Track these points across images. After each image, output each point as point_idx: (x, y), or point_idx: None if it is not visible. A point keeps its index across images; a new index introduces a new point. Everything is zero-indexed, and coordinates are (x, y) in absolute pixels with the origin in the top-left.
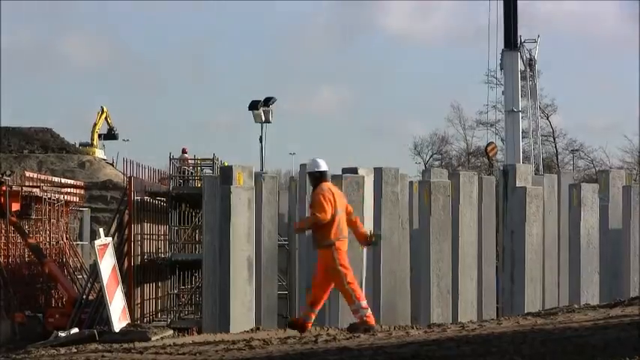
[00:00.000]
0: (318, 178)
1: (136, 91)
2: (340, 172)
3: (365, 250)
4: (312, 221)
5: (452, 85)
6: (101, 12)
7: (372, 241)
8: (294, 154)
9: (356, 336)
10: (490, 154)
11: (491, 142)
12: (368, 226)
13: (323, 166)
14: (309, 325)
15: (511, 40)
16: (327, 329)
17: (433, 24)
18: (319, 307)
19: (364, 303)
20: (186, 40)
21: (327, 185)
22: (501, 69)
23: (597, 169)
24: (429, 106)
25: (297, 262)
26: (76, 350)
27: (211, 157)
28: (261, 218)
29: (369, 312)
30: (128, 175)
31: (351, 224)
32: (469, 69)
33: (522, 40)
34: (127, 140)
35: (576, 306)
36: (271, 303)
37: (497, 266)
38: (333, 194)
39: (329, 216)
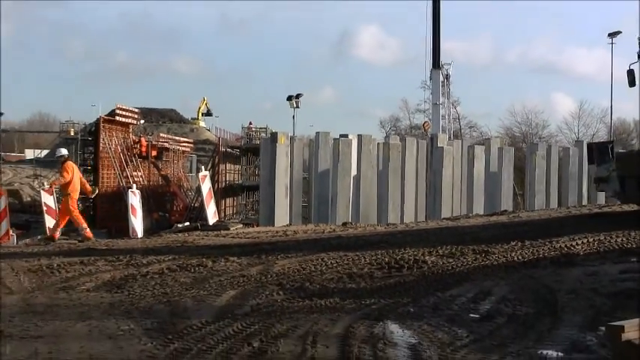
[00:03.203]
0: (63, 159)
1: (222, 89)
2: (338, 137)
3: (351, 185)
4: (60, 181)
5: (402, 89)
6: (194, 39)
7: (94, 193)
8: (312, 126)
9: (351, 230)
10: (426, 128)
11: (426, 121)
12: (354, 168)
13: (63, 152)
14: (56, 236)
15: (436, 63)
16: (330, 225)
17: (391, 51)
18: (61, 226)
19: (84, 226)
20: (238, 64)
21: (69, 163)
22: (430, 79)
23: (484, 137)
24: (389, 100)
25: (312, 187)
26: (187, 234)
27: (265, 126)
28: (293, 162)
29: (88, 230)
30: (218, 136)
31: (82, 185)
32: (413, 79)
33: (442, 64)
34: (218, 116)
35: (471, 214)
36: (298, 210)
37: (426, 191)
38: (73, 168)
39: (69, 179)
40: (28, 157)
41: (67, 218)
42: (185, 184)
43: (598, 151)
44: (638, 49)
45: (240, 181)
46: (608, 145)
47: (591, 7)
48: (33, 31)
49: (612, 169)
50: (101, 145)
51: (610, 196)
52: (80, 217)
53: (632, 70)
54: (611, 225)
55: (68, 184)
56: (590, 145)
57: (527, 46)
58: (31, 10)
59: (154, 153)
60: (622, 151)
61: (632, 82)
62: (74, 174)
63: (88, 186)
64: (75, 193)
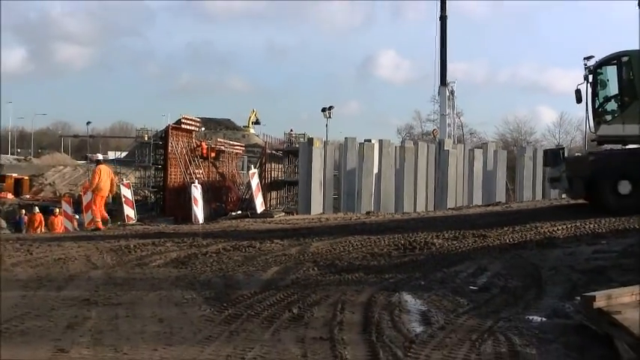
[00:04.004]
0: (97, 162)
1: (268, 102)
2: (363, 141)
3: (373, 181)
4: (89, 184)
5: (415, 102)
6: (245, 65)
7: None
8: (341, 132)
9: (373, 218)
10: (435, 135)
11: (435, 129)
12: (375, 167)
13: (99, 157)
14: (100, 225)
15: (444, 81)
16: (356, 214)
17: (405, 71)
18: (97, 218)
19: (98, 219)
20: (282, 82)
21: (100, 166)
22: (438, 94)
23: (482, 142)
24: (404, 111)
25: (342, 183)
26: (239, 220)
27: (303, 133)
28: (326, 162)
29: (100, 223)
30: (264, 141)
31: (111, 184)
32: (424, 94)
33: (448, 81)
34: (265, 125)
35: (471, 205)
36: (330, 201)
37: (434, 186)
38: (101, 171)
39: (96, 181)
40: (110, 158)
41: (101, 209)
42: (237, 180)
43: (552, 156)
44: (584, 72)
45: (282, 178)
46: (559, 150)
47: (568, 36)
48: (117, 56)
49: (563, 171)
50: (169, 148)
51: (561, 193)
52: (97, 212)
53: (579, 89)
54: (585, 214)
55: (96, 185)
56: (545, 151)
57: (516, 67)
58: (116, 40)
59: (212, 154)
60: (570, 155)
61: (579, 100)
62: (101, 177)
63: (114, 188)
64: (101, 192)
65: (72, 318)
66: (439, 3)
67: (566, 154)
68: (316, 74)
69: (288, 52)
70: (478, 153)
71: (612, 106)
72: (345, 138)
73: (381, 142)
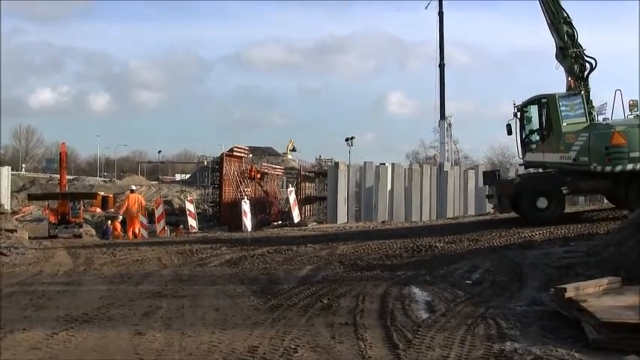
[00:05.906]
0: (130, 191)
1: (302, 133)
2: (378, 164)
3: (387, 196)
4: (120, 207)
5: (419, 132)
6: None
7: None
8: (361, 157)
9: (387, 225)
10: (436, 159)
11: (436, 154)
12: (389, 185)
13: (133, 187)
14: (133, 237)
15: (443, 114)
16: (374, 223)
17: (411, 107)
18: (135, 230)
19: (132, 232)
20: (313, 117)
21: (130, 195)
22: (438, 126)
23: (474, 164)
24: (413, 140)
25: (362, 197)
26: (280, 228)
27: (331, 158)
28: (349, 181)
29: (131, 233)
30: (300, 165)
31: (141, 207)
32: (427, 126)
33: (446, 116)
34: (300, 152)
35: (466, 215)
36: (352, 212)
37: (436, 200)
38: (129, 198)
39: (125, 205)
40: (177, 179)
41: (134, 225)
42: (278, 196)
43: (490, 176)
44: (513, 110)
45: (314, 194)
46: (495, 172)
47: (537, 78)
48: (182, 98)
49: (494, 190)
50: (224, 171)
51: (493, 207)
52: (135, 225)
53: (510, 124)
54: (556, 222)
55: (126, 210)
56: (484, 173)
57: (497, 105)
58: (181, 86)
59: (258, 176)
60: (500, 178)
61: (509, 132)
62: (129, 203)
63: (141, 209)
64: (130, 213)
65: (147, 307)
66: (438, 53)
67: (500, 176)
68: (340, 111)
69: (317, 94)
70: (471, 173)
71: (535, 137)
72: (364, 162)
73: (393, 165)
